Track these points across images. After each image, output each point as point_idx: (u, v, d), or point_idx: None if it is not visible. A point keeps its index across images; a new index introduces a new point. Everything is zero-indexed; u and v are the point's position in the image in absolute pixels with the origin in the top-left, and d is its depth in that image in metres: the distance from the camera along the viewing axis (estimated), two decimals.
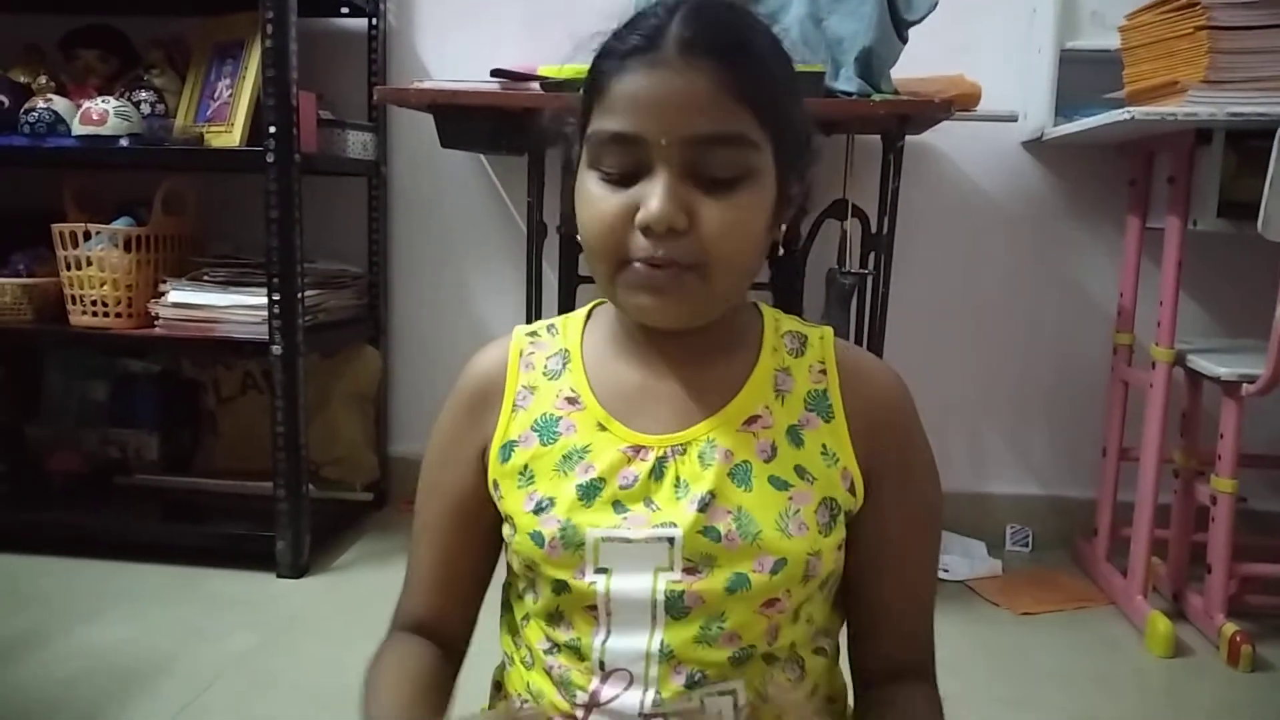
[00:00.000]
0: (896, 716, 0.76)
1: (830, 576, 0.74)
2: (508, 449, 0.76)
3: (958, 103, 1.84)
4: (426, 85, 1.91)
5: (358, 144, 2.23)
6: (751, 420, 0.74)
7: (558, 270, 2.14)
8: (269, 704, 1.53)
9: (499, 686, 0.84)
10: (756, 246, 0.71)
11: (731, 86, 0.66)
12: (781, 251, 0.70)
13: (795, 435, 0.74)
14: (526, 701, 0.76)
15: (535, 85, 1.86)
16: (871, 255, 1.88)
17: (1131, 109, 1.62)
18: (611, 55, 0.69)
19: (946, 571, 2.09)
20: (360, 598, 1.94)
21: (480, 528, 0.79)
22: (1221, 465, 1.77)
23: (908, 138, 1.87)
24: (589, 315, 0.82)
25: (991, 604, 1.98)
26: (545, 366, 0.78)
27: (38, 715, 1.46)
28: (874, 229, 1.90)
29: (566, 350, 0.79)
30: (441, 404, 0.82)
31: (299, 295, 1.97)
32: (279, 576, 2.01)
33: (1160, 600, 1.95)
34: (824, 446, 0.74)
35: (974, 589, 2.04)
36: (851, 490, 0.74)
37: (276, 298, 1.94)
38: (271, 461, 2.01)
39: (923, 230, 2.25)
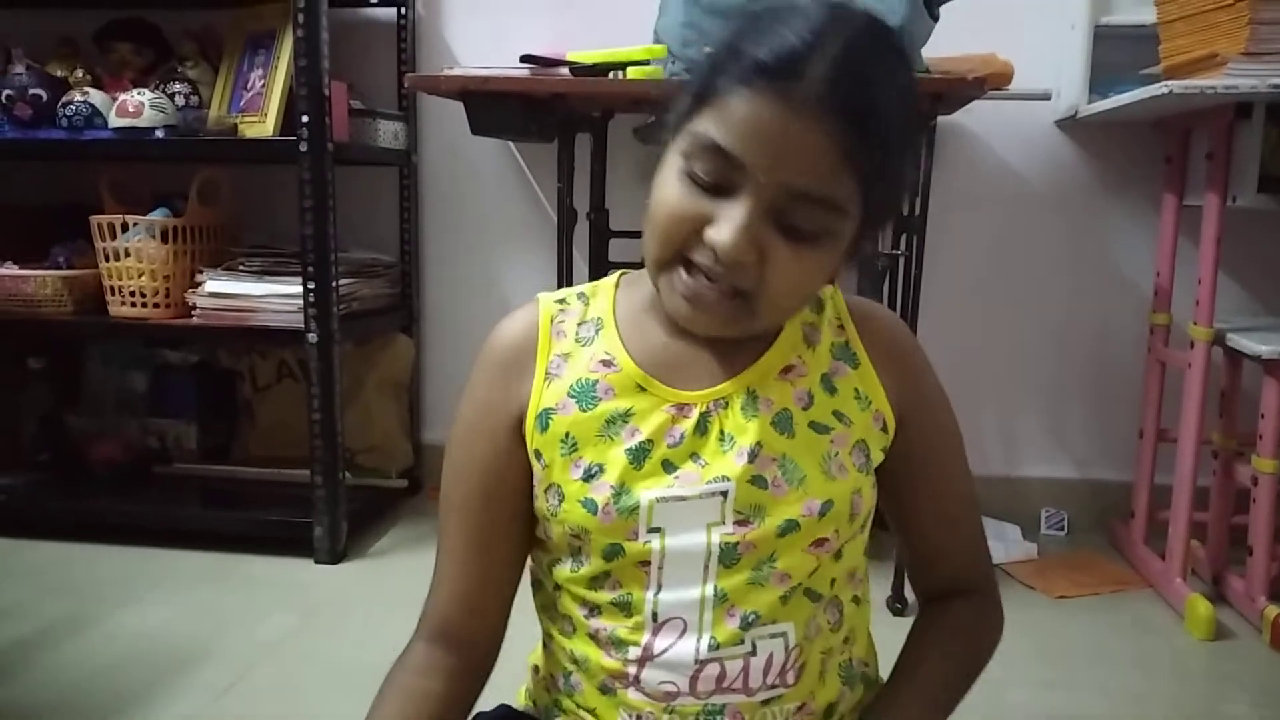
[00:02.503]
0: (944, 626, 0.82)
1: (867, 514, 0.76)
2: (544, 417, 0.74)
3: (990, 82, 1.82)
4: (457, 72, 1.92)
5: (388, 133, 2.25)
6: (787, 370, 0.75)
7: (588, 257, 2.14)
8: (309, 686, 1.55)
9: (536, 669, 0.85)
10: (810, 296, 0.75)
11: (850, 154, 0.63)
12: None
13: (828, 383, 0.76)
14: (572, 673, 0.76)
15: (565, 71, 1.86)
16: (903, 237, 1.86)
17: (1169, 83, 1.60)
18: (740, 59, 0.64)
19: None
20: (397, 583, 1.96)
21: (515, 505, 0.76)
22: (1263, 445, 1.74)
23: (939, 118, 1.85)
24: (618, 283, 0.81)
25: (1027, 587, 1.97)
26: (577, 333, 0.77)
27: (82, 697, 1.49)
28: (905, 211, 1.88)
29: (599, 317, 0.78)
30: None
31: (333, 283, 1.99)
32: (316, 562, 2.03)
33: (1199, 583, 1.93)
34: (856, 391, 0.76)
35: (1009, 572, 2.03)
36: (884, 429, 0.77)
37: (311, 286, 1.96)
38: (309, 448, 2.03)
39: (955, 211, 2.23)
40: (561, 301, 0.80)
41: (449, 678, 0.76)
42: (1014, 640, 1.79)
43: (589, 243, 2.11)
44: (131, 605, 1.82)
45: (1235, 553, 1.88)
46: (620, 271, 0.82)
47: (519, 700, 0.87)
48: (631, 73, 1.82)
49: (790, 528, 0.70)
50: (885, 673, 0.83)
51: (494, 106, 1.81)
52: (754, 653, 0.71)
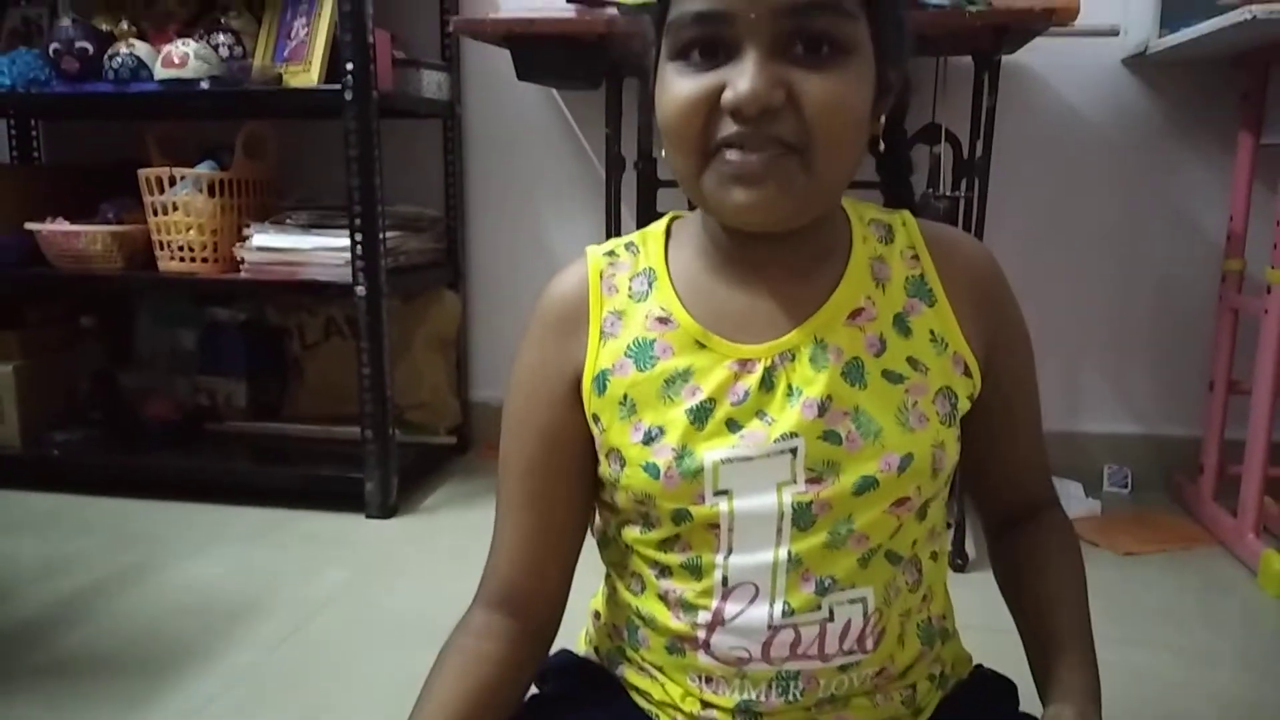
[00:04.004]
0: (1030, 552, 0.79)
1: (951, 468, 0.71)
2: (601, 379, 0.71)
3: (1056, 15, 1.74)
4: (502, 15, 1.88)
5: (432, 84, 2.21)
6: (856, 314, 0.70)
7: (635, 208, 2.10)
8: (364, 637, 1.55)
9: (598, 615, 0.82)
10: (859, 129, 0.65)
11: None
12: (883, 147, 0.65)
13: (902, 324, 0.70)
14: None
15: (612, 10, 1.81)
16: (964, 181, 1.80)
17: (1254, 8, 1.51)
18: None
19: None
20: (448, 538, 1.95)
21: (576, 468, 0.73)
22: None
23: (1001, 58, 1.78)
24: (668, 231, 0.76)
25: (1092, 544, 1.91)
26: (630, 287, 0.73)
27: (141, 647, 1.50)
28: (966, 154, 1.82)
29: (651, 268, 0.73)
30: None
31: (381, 236, 1.97)
32: (368, 517, 2.03)
33: (1272, 540, 1.86)
34: (932, 333, 0.71)
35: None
36: (966, 373, 0.72)
37: (359, 239, 1.94)
38: (359, 404, 2.02)
39: (1017, 155, 2.15)
40: (611, 254, 0.75)
41: (509, 641, 0.73)
42: None
43: (636, 192, 2.07)
44: (187, 559, 1.83)
45: None
46: (670, 214, 0.78)
47: (579, 645, 0.85)
48: None
49: (868, 485, 0.66)
50: (959, 623, 0.80)
51: (540, 50, 1.77)
52: (831, 619, 0.68)
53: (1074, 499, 2.10)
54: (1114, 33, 1.99)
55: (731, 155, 0.62)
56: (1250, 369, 1.83)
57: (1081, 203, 2.22)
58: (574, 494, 0.74)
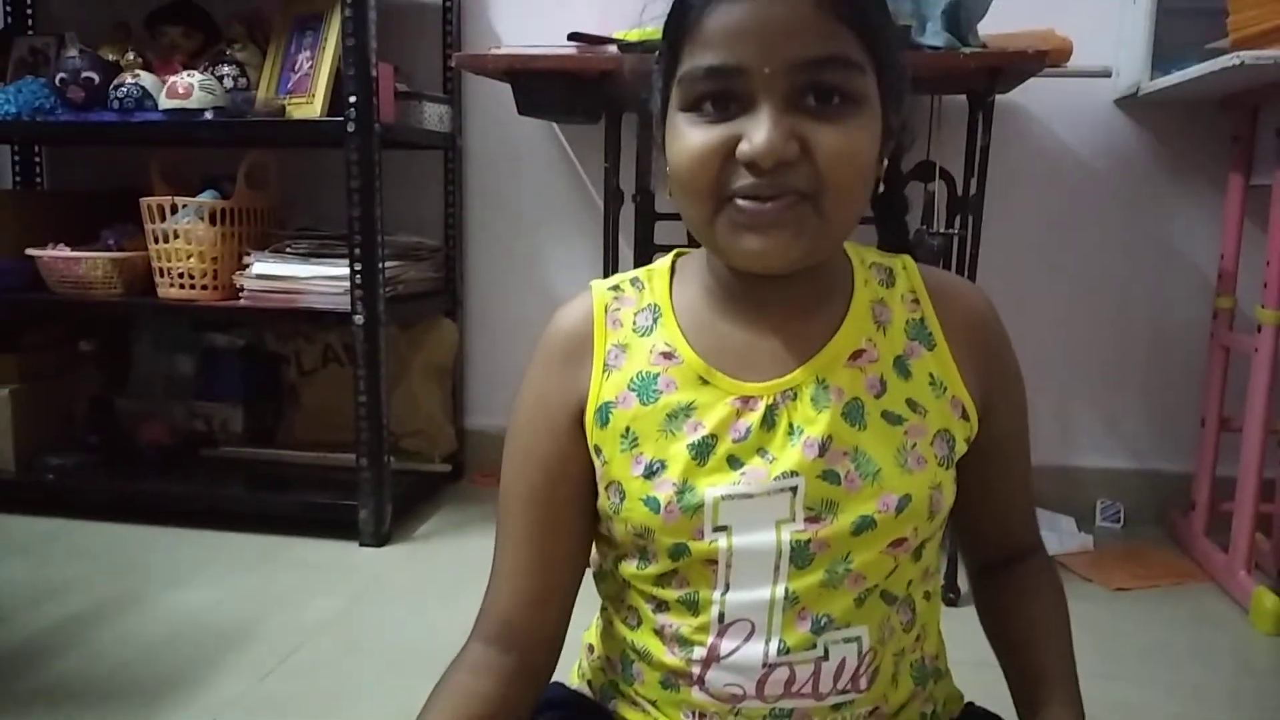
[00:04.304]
0: (1017, 592, 0.81)
1: (947, 510, 0.72)
2: (604, 411, 0.71)
3: (1049, 57, 1.77)
4: (504, 51, 1.90)
5: (434, 116, 2.24)
6: (857, 355, 0.71)
7: (633, 240, 2.12)
8: (354, 666, 1.54)
9: (591, 649, 0.82)
10: (869, 176, 0.66)
11: (834, 9, 0.62)
12: (881, 187, 0.66)
13: (902, 366, 0.71)
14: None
15: (612, 49, 1.84)
16: (958, 218, 1.82)
17: (1242, 54, 1.54)
18: None
19: None
20: (441, 566, 1.95)
21: (577, 500, 0.73)
22: None
23: (996, 97, 1.80)
24: (673, 267, 0.77)
25: (1084, 579, 1.92)
26: (635, 322, 0.74)
27: (133, 674, 1.50)
28: (960, 191, 1.84)
29: (656, 304, 0.74)
30: (518, 375, 0.76)
31: (380, 265, 1.98)
32: (361, 545, 2.03)
33: (1264, 577, 1.86)
34: (931, 376, 0.72)
35: (1064, 564, 1.98)
36: (964, 417, 0.72)
37: (358, 268, 1.96)
38: (354, 431, 2.03)
39: (1011, 192, 2.17)
40: (615, 288, 0.76)
41: (504, 679, 0.72)
42: (1072, 632, 1.72)
43: (634, 225, 2.09)
44: (179, 585, 1.83)
45: None
46: (675, 250, 0.79)
47: (571, 679, 0.85)
48: None
49: (866, 525, 0.67)
50: (951, 658, 0.81)
51: (541, 86, 1.80)
52: (825, 657, 0.69)
53: (1066, 533, 2.11)
54: (1106, 74, 2.02)
55: (745, 204, 0.63)
56: (1242, 405, 1.84)
57: (1074, 239, 2.24)
58: (575, 526, 0.74)
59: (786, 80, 0.62)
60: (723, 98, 0.63)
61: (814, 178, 0.63)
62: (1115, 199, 2.21)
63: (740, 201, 0.63)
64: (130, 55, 2.12)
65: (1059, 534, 2.10)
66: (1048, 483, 2.22)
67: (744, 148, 0.62)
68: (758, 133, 0.61)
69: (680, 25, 0.65)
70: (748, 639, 0.68)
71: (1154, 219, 2.21)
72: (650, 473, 0.69)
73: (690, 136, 0.64)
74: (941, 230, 1.78)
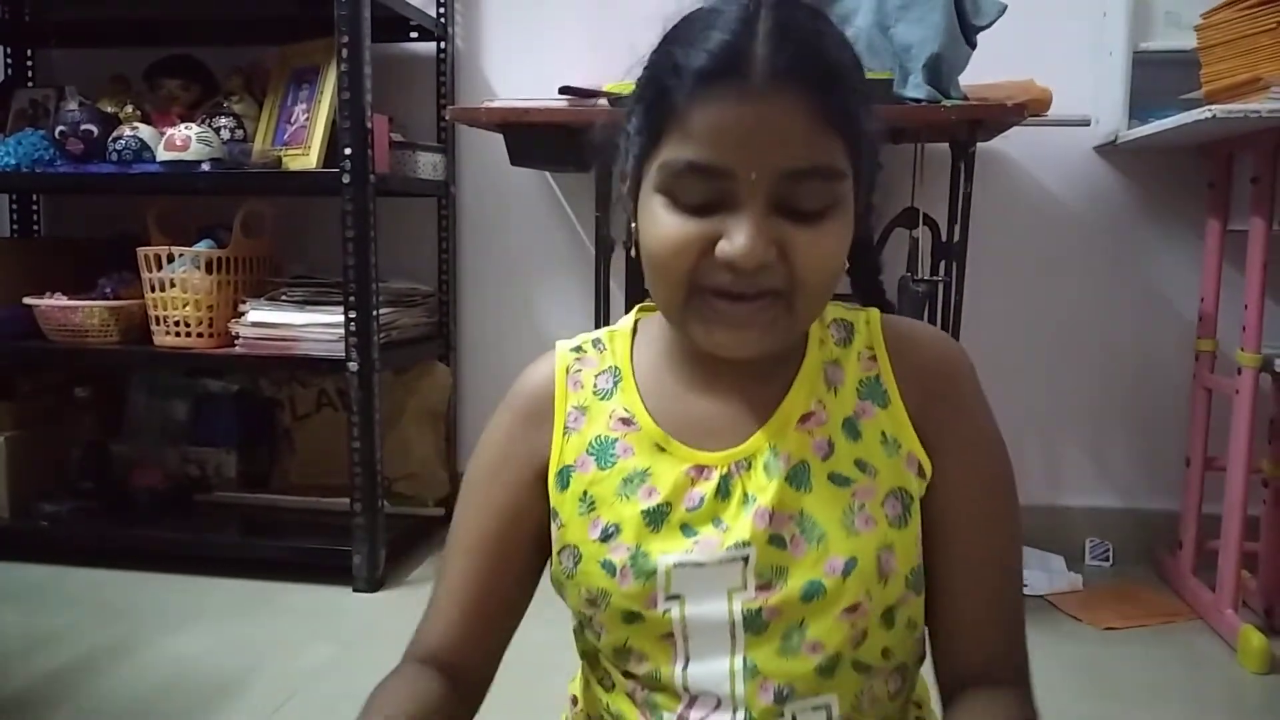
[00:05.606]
0: None
1: (909, 574, 0.69)
2: (565, 475, 0.72)
3: (1029, 108, 1.81)
4: (497, 104, 1.95)
5: (428, 165, 2.28)
6: (805, 418, 0.70)
7: (624, 286, 2.15)
8: (349, 713, 1.53)
9: (575, 700, 0.83)
10: (840, 271, 0.67)
11: (825, 117, 0.61)
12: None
13: (851, 427, 0.70)
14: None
15: (603, 101, 1.88)
16: (942, 264, 1.86)
17: (1213, 107, 1.58)
18: (681, 74, 0.62)
19: (1026, 586, 2.04)
20: None
21: (522, 554, 0.74)
22: None
23: (977, 145, 1.85)
24: (635, 328, 0.77)
25: (1073, 619, 1.93)
26: (595, 384, 0.74)
27: None
28: (944, 237, 1.88)
29: (616, 368, 0.75)
30: None
31: (374, 313, 2.01)
32: (355, 590, 2.04)
33: (1251, 615, 1.88)
34: (883, 434, 0.70)
35: (1054, 603, 1.99)
36: (920, 473, 0.70)
37: (353, 315, 1.98)
38: (348, 476, 2.04)
39: (994, 238, 2.21)
40: (578, 349, 0.77)
41: (443, 690, 0.72)
42: (1060, 673, 1.75)
43: (626, 271, 2.12)
44: (172, 632, 1.83)
45: None
46: (639, 307, 0.79)
47: None
48: None
49: (815, 591, 0.66)
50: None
51: (533, 137, 1.84)
52: None
53: (1055, 572, 2.13)
54: (1085, 123, 2.07)
55: (720, 303, 0.64)
56: (1226, 445, 1.87)
57: (1058, 284, 2.28)
58: (522, 578, 0.75)
59: (769, 186, 0.61)
60: (705, 192, 0.62)
61: (789, 279, 0.63)
62: (1097, 244, 2.25)
63: (715, 300, 0.64)
64: (129, 108, 2.16)
65: (1049, 573, 2.12)
66: (1038, 522, 2.24)
67: (724, 248, 0.62)
68: (740, 236, 0.61)
69: (664, 107, 0.63)
70: (715, 709, 0.68)
71: (1135, 263, 2.25)
72: (606, 536, 0.69)
73: (668, 225, 0.63)
74: (926, 277, 1.81)
